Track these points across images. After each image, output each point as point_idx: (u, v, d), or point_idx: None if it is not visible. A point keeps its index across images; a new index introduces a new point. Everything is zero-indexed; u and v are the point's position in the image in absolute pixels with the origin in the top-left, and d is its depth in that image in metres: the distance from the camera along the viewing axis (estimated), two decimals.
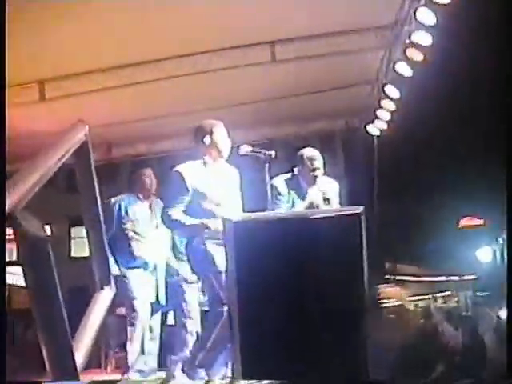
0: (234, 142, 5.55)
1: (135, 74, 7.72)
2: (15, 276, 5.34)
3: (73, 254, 27.03)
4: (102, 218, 2.29)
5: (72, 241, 27.65)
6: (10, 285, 5.39)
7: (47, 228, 9.77)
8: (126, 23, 6.62)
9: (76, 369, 1.79)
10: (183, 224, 5.03)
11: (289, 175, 6.20)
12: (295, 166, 6.26)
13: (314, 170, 6.08)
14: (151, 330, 6.63)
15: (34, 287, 1.63)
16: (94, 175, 2.19)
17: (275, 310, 2.84)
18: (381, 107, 8.55)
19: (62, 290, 1.69)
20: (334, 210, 3.07)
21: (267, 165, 5.32)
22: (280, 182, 6.10)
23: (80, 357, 1.90)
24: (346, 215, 2.87)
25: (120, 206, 6.74)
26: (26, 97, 7.50)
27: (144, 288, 6.57)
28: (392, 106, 8.34)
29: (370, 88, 9.04)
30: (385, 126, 9.02)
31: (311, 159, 6.11)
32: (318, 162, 6.11)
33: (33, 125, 7.85)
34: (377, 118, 8.94)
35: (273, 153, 5.34)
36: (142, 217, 6.79)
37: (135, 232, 6.67)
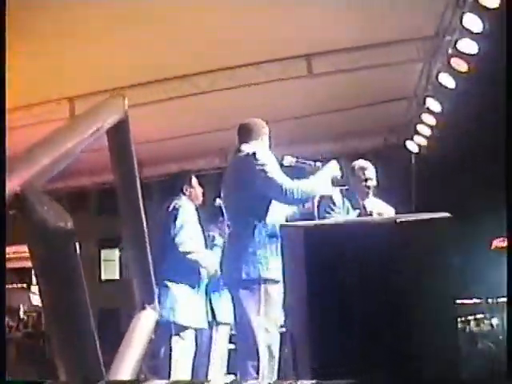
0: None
1: (167, 89, 7.55)
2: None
3: (103, 278, 26.78)
4: (145, 225, 1.88)
5: (102, 264, 27.43)
6: (38, 307, 5.10)
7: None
8: (158, 35, 6.46)
9: None
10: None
11: (343, 187, 5.86)
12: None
13: (366, 180, 5.73)
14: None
15: (53, 300, 1.12)
16: (136, 168, 1.74)
17: (354, 322, 2.54)
18: (421, 122, 8.25)
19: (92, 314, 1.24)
20: (419, 215, 2.75)
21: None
22: (335, 192, 5.77)
23: None
24: (441, 218, 2.55)
25: (183, 212, 5.77)
26: (57, 113, 7.37)
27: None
28: (433, 121, 8.03)
29: (408, 103, 8.78)
30: (424, 142, 8.70)
31: (363, 169, 5.79)
32: (370, 173, 5.78)
33: None
34: (417, 133, 8.64)
35: (320, 164, 5.03)
36: (196, 226, 5.85)
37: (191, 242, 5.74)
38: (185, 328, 5.55)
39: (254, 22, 6.52)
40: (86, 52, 6.54)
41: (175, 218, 5.61)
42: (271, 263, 4.55)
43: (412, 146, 9.06)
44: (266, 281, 4.61)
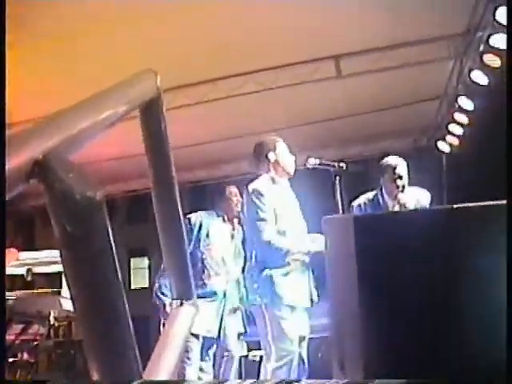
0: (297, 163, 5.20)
1: (195, 94, 7.48)
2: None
3: (132, 286, 26.66)
4: (181, 217, 1.75)
5: (132, 272, 27.36)
6: (69, 311, 5.03)
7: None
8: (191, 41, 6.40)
9: None
10: (279, 249, 4.64)
11: (372, 193, 5.63)
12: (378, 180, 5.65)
13: (398, 178, 5.41)
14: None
15: (83, 283, 0.99)
16: (170, 151, 1.60)
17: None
18: (453, 121, 8.09)
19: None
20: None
21: (338, 178, 4.91)
22: (361, 202, 5.59)
23: None
24: (497, 205, 2.40)
25: (201, 225, 5.68)
26: None
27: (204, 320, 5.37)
28: (465, 120, 7.87)
29: (439, 103, 8.63)
30: (456, 142, 8.53)
31: (393, 168, 5.46)
32: (401, 170, 5.46)
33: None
34: (449, 132, 8.47)
35: (344, 165, 4.93)
36: (223, 241, 5.79)
37: (212, 258, 5.68)
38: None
39: (278, 23, 6.43)
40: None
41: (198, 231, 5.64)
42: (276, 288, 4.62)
43: (443, 146, 8.90)
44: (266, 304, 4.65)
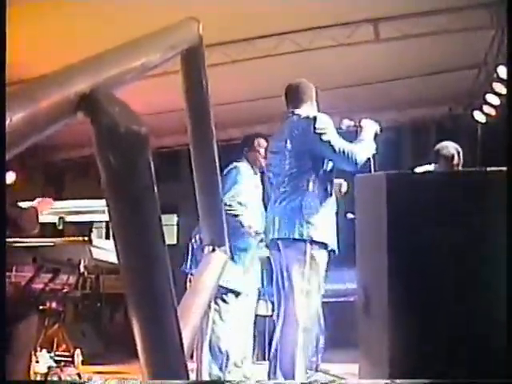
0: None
1: (231, 52, 7.44)
2: (106, 252, 5.01)
3: None
4: (217, 162, 1.72)
5: None
6: (99, 260, 5.04)
7: None
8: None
9: (186, 364, 1.14)
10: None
11: (431, 167, 5.50)
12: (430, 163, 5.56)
13: (455, 168, 5.33)
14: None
15: (124, 219, 1.00)
16: (209, 98, 1.56)
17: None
18: (491, 91, 7.97)
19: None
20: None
21: None
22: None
23: (186, 338, 1.22)
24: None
25: (237, 174, 5.43)
26: None
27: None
28: (503, 90, 7.74)
29: (477, 71, 8.50)
30: (493, 112, 8.41)
31: (450, 158, 5.39)
32: (456, 158, 5.39)
33: None
34: (486, 103, 8.35)
35: (378, 129, 4.87)
36: (257, 192, 5.55)
37: (250, 208, 5.38)
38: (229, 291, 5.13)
39: None
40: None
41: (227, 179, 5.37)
42: (322, 226, 4.42)
43: (479, 116, 8.78)
44: (312, 243, 4.40)
